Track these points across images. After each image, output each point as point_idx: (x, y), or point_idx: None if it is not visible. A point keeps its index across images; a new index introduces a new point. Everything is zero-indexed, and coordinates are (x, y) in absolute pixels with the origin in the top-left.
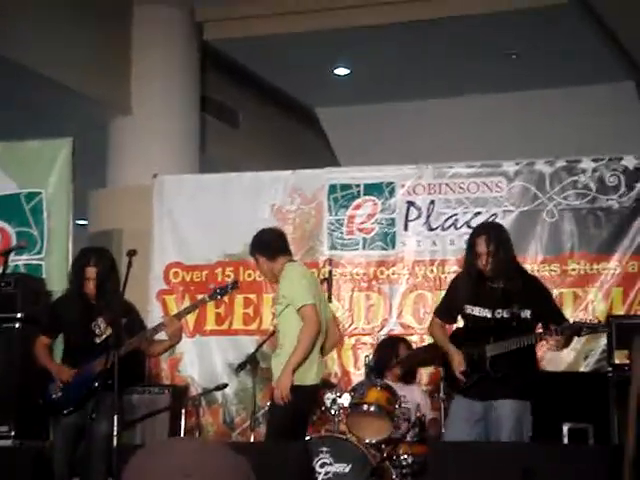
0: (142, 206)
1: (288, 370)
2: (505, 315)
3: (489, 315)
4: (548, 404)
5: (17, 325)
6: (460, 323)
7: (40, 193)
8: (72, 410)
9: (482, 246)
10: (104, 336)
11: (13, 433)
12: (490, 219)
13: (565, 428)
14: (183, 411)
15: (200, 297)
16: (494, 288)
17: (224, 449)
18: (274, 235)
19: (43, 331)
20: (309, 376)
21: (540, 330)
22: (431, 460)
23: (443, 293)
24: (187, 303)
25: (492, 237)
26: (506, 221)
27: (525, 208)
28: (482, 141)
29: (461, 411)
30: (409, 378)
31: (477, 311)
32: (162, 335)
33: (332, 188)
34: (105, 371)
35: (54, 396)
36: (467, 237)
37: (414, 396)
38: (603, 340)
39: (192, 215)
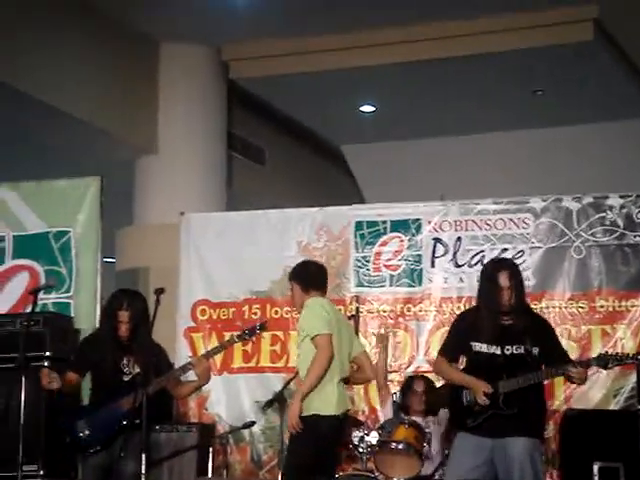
0: (169, 244)
1: (297, 397)
2: (515, 352)
3: (498, 352)
4: (578, 443)
5: (46, 363)
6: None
7: (69, 232)
8: (100, 449)
9: (505, 280)
10: (132, 374)
11: (42, 472)
12: (517, 256)
13: (596, 467)
14: (210, 449)
15: (228, 337)
16: (504, 325)
17: None
18: (316, 268)
19: (71, 367)
20: (327, 406)
21: (564, 365)
22: None
23: None
24: (214, 341)
25: (514, 272)
26: (533, 258)
27: (552, 245)
28: (509, 177)
29: (467, 446)
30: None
31: (485, 348)
32: (190, 375)
33: (358, 225)
34: (133, 410)
35: (81, 434)
36: (483, 267)
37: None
38: (633, 378)
39: (219, 252)
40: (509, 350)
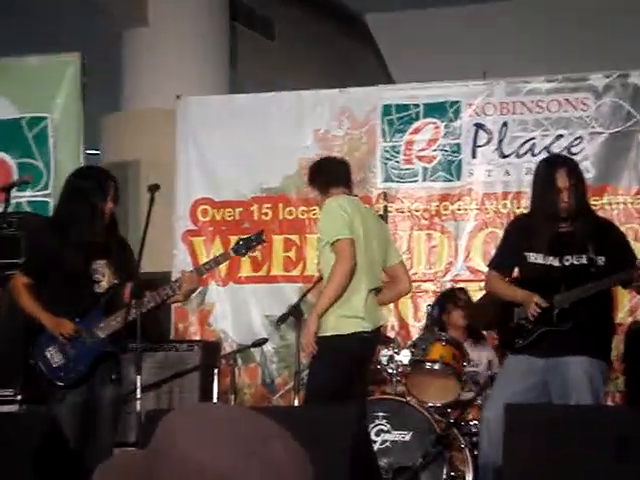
0: (163, 132)
1: (313, 315)
2: (576, 262)
3: (556, 263)
4: None
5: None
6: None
7: (45, 118)
8: (78, 384)
9: (564, 180)
10: (103, 284)
11: (19, 397)
12: (575, 143)
13: None
14: (215, 371)
15: (224, 252)
16: (563, 232)
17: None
18: (335, 163)
19: (24, 269)
20: (352, 323)
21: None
22: (505, 426)
23: None
24: (218, 246)
25: (574, 170)
26: (593, 145)
27: (616, 129)
28: (565, 49)
29: (516, 367)
30: (477, 336)
31: (541, 258)
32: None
33: (386, 109)
34: (118, 333)
35: (54, 364)
36: (536, 165)
37: (483, 358)
38: None
39: (223, 143)
40: (569, 260)
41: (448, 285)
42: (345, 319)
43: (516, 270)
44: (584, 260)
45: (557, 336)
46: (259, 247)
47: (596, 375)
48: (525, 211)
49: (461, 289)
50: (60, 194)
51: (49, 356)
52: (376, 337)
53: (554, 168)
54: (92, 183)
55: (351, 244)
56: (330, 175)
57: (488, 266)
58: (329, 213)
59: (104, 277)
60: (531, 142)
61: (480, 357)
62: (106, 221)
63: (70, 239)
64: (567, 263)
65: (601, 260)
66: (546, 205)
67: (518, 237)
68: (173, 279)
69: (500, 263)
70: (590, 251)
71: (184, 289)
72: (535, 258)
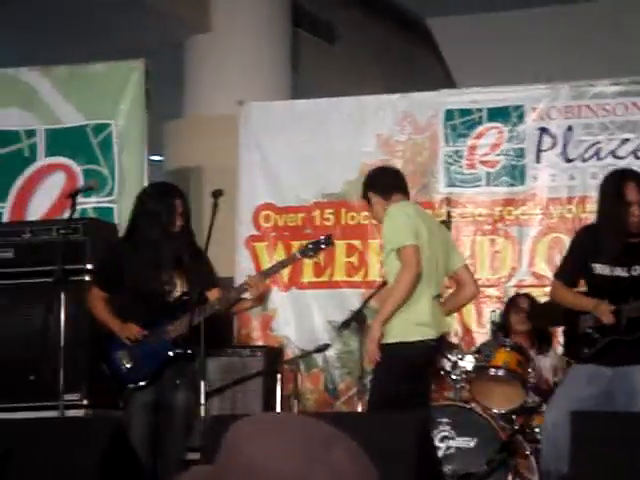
0: (226, 139)
1: (377, 322)
2: None
3: (624, 274)
4: None
5: (87, 278)
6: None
7: (109, 125)
8: (145, 385)
9: (634, 194)
10: (177, 293)
11: (85, 402)
12: None
13: None
14: (278, 376)
15: (290, 254)
16: (632, 243)
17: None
18: (390, 171)
19: (99, 282)
20: (417, 330)
21: None
22: (572, 433)
23: None
24: (280, 251)
25: None
26: None
27: None
28: (631, 52)
29: (582, 375)
30: (544, 345)
31: (608, 270)
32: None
33: (449, 114)
34: (183, 337)
35: (123, 367)
36: (603, 178)
37: (547, 364)
38: None
39: (284, 148)
40: (637, 271)
41: (512, 291)
42: (410, 326)
43: (582, 283)
44: None
45: (625, 346)
46: (326, 250)
47: None
48: (591, 217)
49: (524, 295)
50: (132, 211)
51: (118, 359)
52: (440, 344)
53: (623, 181)
54: (161, 205)
55: (416, 251)
56: (393, 181)
57: (554, 276)
58: (393, 219)
59: (177, 287)
60: (596, 146)
61: (545, 363)
62: (176, 235)
63: (142, 257)
64: (635, 273)
65: None
66: (615, 219)
67: (585, 248)
68: (236, 285)
69: (565, 273)
70: None
71: (253, 293)
72: (602, 269)
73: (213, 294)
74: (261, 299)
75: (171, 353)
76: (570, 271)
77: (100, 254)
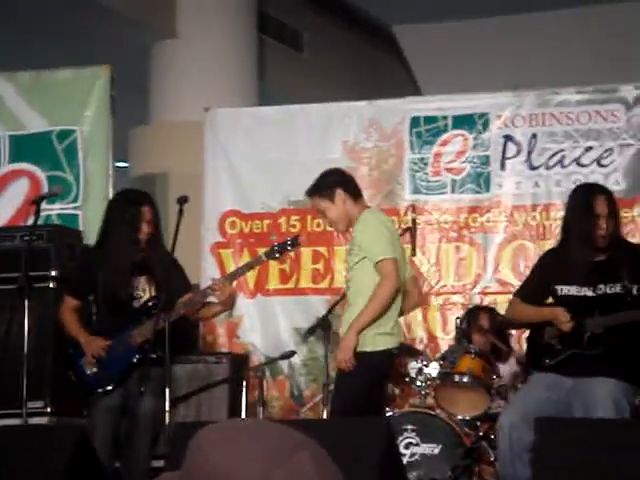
0: (191, 145)
1: (354, 329)
2: (610, 291)
3: (590, 293)
4: None
5: (51, 285)
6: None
7: (74, 131)
8: (110, 390)
9: (603, 207)
10: (144, 299)
11: (49, 409)
12: (605, 155)
13: None
14: (244, 383)
15: (256, 256)
16: (597, 262)
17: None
18: (351, 175)
19: (70, 291)
20: (387, 340)
21: None
22: (535, 440)
23: (547, 244)
24: (246, 258)
25: (611, 199)
26: (624, 157)
27: None
28: (595, 61)
29: (542, 382)
30: (503, 355)
31: (574, 290)
32: (212, 298)
33: (415, 121)
34: (147, 342)
35: (89, 372)
36: (571, 192)
37: (506, 371)
38: None
39: (251, 155)
40: (602, 290)
41: (477, 298)
42: (381, 336)
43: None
44: (618, 289)
45: (586, 360)
46: (292, 251)
47: (624, 399)
48: (555, 224)
49: (483, 310)
50: (102, 218)
51: (83, 365)
52: (398, 353)
53: (593, 195)
54: (128, 212)
55: (396, 264)
56: (356, 185)
57: (513, 295)
58: (372, 229)
59: (145, 293)
60: (561, 154)
61: (504, 370)
62: (144, 242)
63: (110, 264)
64: (600, 292)
65: (636, 289)
66: (583, 231)
67: (548, 270)
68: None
69: (526, 294)
70: (625, 279)
71: (219, 297)
72: (568, 290)
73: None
74: (229, 303)
75: (135, 359)
76: (531, 290)
77: (64, 261)
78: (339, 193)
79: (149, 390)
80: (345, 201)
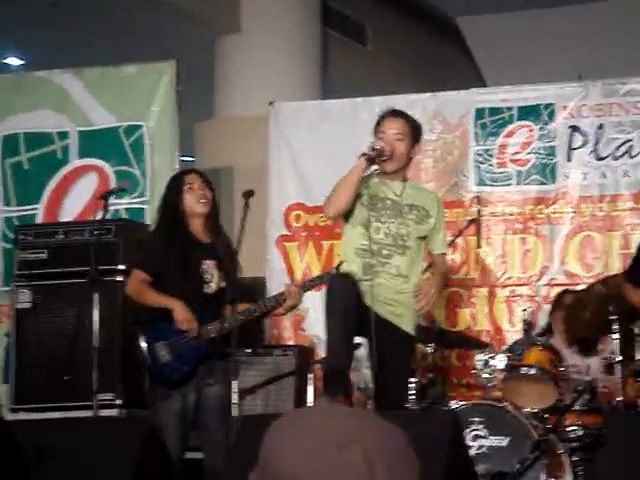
0: (256, 139)
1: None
2: None
3: None
4: None
5: (119, 278)
6: None
7: (141, 126)
8: (179, 383)
9: None
10: (213, 286)
11: (119, 402)
12: None
13: None
14: (310, 376)
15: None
16: None
17: (380, 418)
18: None
19: (140, 264)
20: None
21: None
22: (608, 432)
23: (615, 235)
24: (311, 251)
25: None
26: None
27: None
28: None
29: None
30: (588, 346)
31: None
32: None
33: (479, 112)
34: (220, 338)
35: (163, 361)
36: None
37: (585, 364)
38: None
39: (315, 148)
40: None
41: (543, 289)
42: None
43: None
44: None
45: None
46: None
47: None
48: (623, 215)
49: (569, 292)
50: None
51: (156, 351)
52: None
53: None
54: (170, 189)
55: None
56: None
57: (623, 277)
58: (444, 215)
59: (213, 277)
60: (628, 144)
61: (594, 364)
62: (201, 212)
63: (176, 239)
64: None
65: None
66: None
67: None
68: (268, 284)
69: (633, 276)
70: None
71: (288, 304)
72: None
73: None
74: (291, 310)
75: (206, 353)
76: (636, 272)
77: (132, 255)
78: (420, 147)
79: (217, 380)
80: (413, 157)
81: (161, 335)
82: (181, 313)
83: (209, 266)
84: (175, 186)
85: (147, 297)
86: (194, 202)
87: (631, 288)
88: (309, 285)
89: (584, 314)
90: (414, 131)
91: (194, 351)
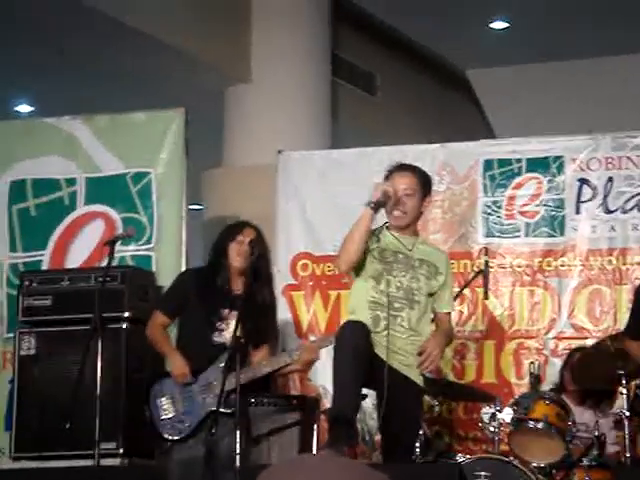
0: (264, 187)
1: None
2: None
3: None
4: None
5: (124, 326)
6: None
7: (149, 173)
8: (185, 438)
9: None
10: (227, 334)
11: (121, 450)
12: None
13: None
14: (315, 426)
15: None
16: None
17: (366, 468)
18: None
19: (161, 307)
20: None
21: None
22: None
23: (624, 289)
24: (317, 300)
25: None
26: None
27: None
28: None
29: None
30: (598, 403)
31: None
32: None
33: (488, 164)
34: (226, 392)
35: (164, 416)
36: None
37: (611, 424)
38: None
39: (323, 197)
40: None
41: (551, 342)
42: None
43: None
44: None
45: None
46: None
47: None
48: (631, 269)
49: (575, 350)
50: None
51: (159, 406)
52: None
53: None
54: (219, 240)
55: None
56: None
57: (623, 333)
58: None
59: (228, 327)
60: (637, 198)
61: (607, 422)
62: (238, 273)
63: (200, 286)
64: None
65: None
66: None
67: None
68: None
69: (634, 330)
70: None
71: (304, 358)
72: None
73: (261, 351)
74: (308, 366)
75: (212, 409)
76: (636, 325)
77: (137, 302)
78: (430, 200)
79: (224, 431)
80: (424, 211)
81: (167, 389)
82: (176, 368)
83: (227, 315)
84: (225, 234)
85: (156, 343)
86: (234, 255)
87: (631, 341)
88: (325, 342)
89: (593, 371)
90: (424, 185)
91: (198, 408)
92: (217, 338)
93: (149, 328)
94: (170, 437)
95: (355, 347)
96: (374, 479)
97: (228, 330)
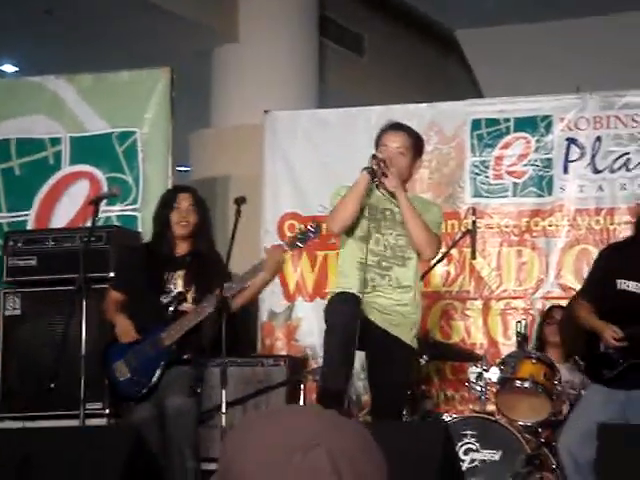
0: (252, 148)
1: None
2: None
3: None
4: None
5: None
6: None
7: (134, 133)
8: (144, 397)
9: None
10: (174, 293)
11: (107, 411)
12: None
13: None
14: (302, 386)
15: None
16: None
17: (345, 418)
18: None
19: (113, 285)
20: None
21: None
22: (600, 447)
23: None
24: (305, 260)
25: None
26: None
27: None
28: None
29: (596, 399)
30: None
31: (634, 286)
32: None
33: (476, 124)
34: (180, 343)
35: (121, 378)
36: None
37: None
38: None
39: (310, 157)
40: None
41: (539, 302)
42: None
43: None
44: None
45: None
46: (314, 240)
47: None
48: (619, 228)
49: (558, 306)
50: None
51: (115, 370)
52: None
53: None
54: (161, 204)
55: None
56: None
57: (577, 293)
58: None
59: (175, 288)
60: (626, 157)
61: (578, 379)
62: (180, 234)
63: (149, 255)
64: None
65: None
66: None
67: (609, 264)
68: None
69: (589, 292)
70: None
71: (269, 263)
72: (627, 285)
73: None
74: (276, 271)
75: (165, 362)
76: (594, 288)
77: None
78: (420, 163)
79: (176, 389)
80: (414, 173)
81: (120, 353)
82: (119, 328)
83: (173, 276)
84: (164, 202)
85: (110, 317)
86: (175, 222)
87: (581, 304)
88: (294, 241)
89: (572, 330)
90: (416, 145)
91: (151, 363)
92: (164, 299)
93: (104, 305)
94: (130, 397)
95: (344, 323)
96: (349, 427)
97: (176, 290)
